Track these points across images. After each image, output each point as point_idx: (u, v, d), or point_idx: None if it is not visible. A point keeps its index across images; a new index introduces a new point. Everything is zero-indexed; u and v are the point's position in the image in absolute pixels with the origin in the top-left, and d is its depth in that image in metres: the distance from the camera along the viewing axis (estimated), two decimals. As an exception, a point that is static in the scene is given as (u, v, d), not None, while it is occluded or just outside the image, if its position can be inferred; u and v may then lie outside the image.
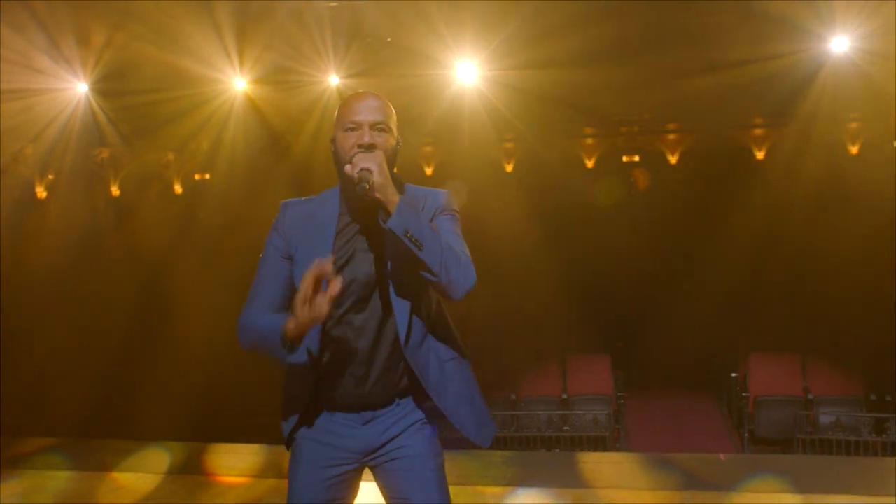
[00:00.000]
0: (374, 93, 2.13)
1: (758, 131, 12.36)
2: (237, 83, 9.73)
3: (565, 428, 7.45)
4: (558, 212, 11.14)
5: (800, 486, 3.97)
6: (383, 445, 2.15)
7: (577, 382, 8.08)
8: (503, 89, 9.81)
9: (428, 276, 1.97)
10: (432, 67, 9.89)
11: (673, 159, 13.36)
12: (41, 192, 12.94)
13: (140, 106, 10.05)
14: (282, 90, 10.34)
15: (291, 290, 2.07)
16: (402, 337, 2.06)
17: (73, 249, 10.96)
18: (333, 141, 2.13)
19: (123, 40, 9.03)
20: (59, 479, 4.72)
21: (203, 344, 9.07)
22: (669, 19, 8.40)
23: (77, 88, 9.85)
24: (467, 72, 9.60)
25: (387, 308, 2.07)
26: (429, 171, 13.81)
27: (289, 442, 2.23)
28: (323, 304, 1.85)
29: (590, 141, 13.59)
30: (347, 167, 1.99)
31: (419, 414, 2.18)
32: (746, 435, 7.57)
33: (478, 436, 2.21)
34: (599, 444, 7.37)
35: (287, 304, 2.06)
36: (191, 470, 4.75)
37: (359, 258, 2.08)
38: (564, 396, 7.90)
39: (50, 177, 12.66)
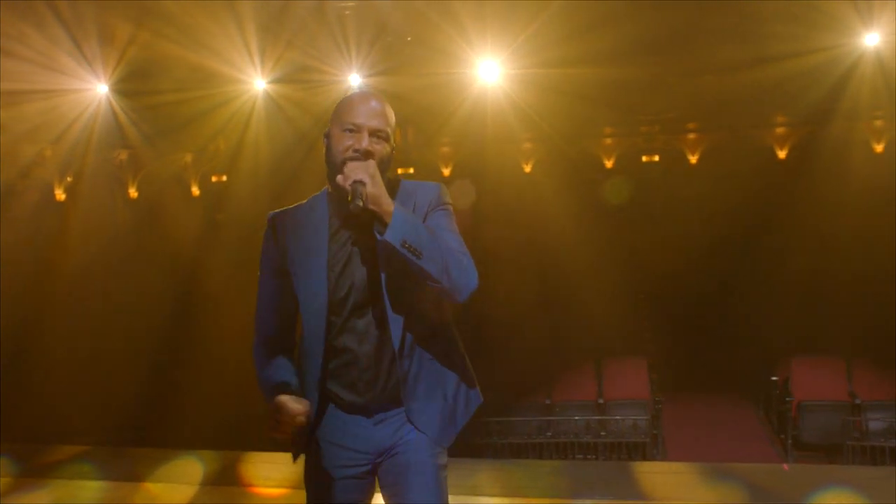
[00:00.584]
0: (378, 95, 2.08)
1: (780, 130, 12.20)
2: (258, 83, 9.63)
3: (603, 433, 7.23)
4: (590, 212, 10.94)
5: (870, 496, 3.74)
6: (394, 445, 2.14)
7: (613, 386, 7.85)
8: (525, 87, 9.66)
9: (429, 282, 1.95)
10: (455, 66, 9.75)
11: (693, 159, 13.20)
12: (60, 195, 12.88)
13: (160, 106, 9.99)
14: (303, 90, 10.23)
15: (293, 305, 2.14)
16: (397, 342, 2.04)
17: (94, 253, 10.88)
18: (328, 136, 2.08)
19: (145, 40, 8.94)
20: (90, 489, 4.57)
21: (234, 347, 8.93)
22: (693, 18, 8.27)
23: (97, 89, 9.77)
24: (490, 70, 9.46)
25: (384, 313, 2.04)
26: (446, 171, 13.69)
27: (299, 447, 2.22)
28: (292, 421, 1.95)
29: (609, 141, 13.44)
30: (339, 178, 1.95)
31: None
32: (790, 441, 7.31)
33: (440, 438, 2.17)
34: (637, 451, 7.15)
35: (290, 323, 2.20)
36: (226, 481, 4.58)
37: (355, 262, 2.05)
38: (601, 401, 7.68)
39: (69, 179, 12.60)
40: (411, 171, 14.32)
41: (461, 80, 9.94)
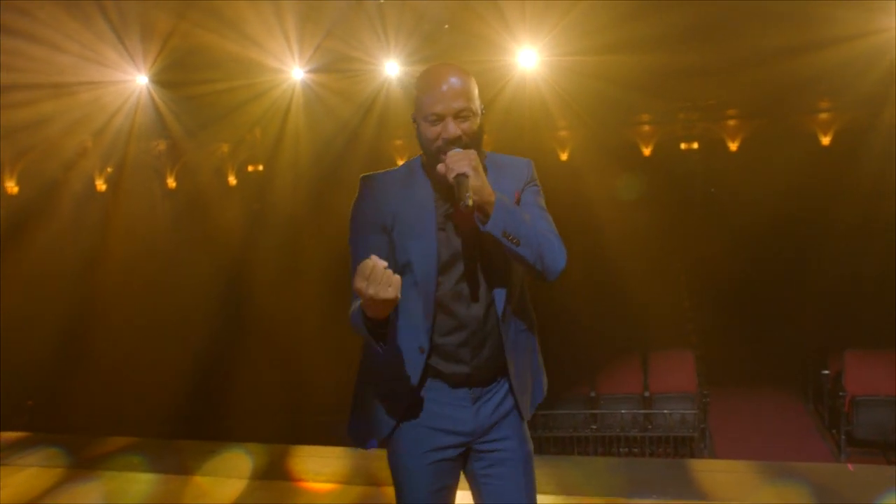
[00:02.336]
0: (454, 70, 2.00)
1: (823, 116, 11.93)
2: (296, 73, 9.63)
3: (650, 427, 7.12)
4: (631, 201, 10.80)
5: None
6: (489, 429, 2.12)
7: (659, 379, 7.72)
8: (563, 75, 9.54)
9: (523, 266, 1.98)
10: (493, 54, 9.64)
11: (733, 146, 12.95)
12: (101, 185, 13.03)
13: (199, 97, 10.05)
14: (342, 79, 10.20)
15: (393, 266, 1.96)
16: (500, 307, 2.05)
17: (135, 243, 10.99)
18: (416, 123, 2.04)
19: (185, 30, 8.97)
20: (141, 481, 4.55)
21: (278, 337, 9.00)
22: (734, 3, 8.07)
23: (137, 80, 9.84)
24: (528, 58, 9.34)
25: (488, 277, 2.05)
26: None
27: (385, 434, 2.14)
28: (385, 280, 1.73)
29: (647, 128, 13.25)
30: (440, 167, 1.94)
31: (513, 396, 2.16)
32: (843, 437, 7.13)
33: (529, 411, 2.19)
34: (685, 445, 7.04)
35: None
36: (276, 475, 4.53)
37: (460, 228, 2.04)
38: (646, 394, 7.55)
39: (109, 170, 12.73)
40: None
41: (500, 68, 9.84)
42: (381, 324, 1.85)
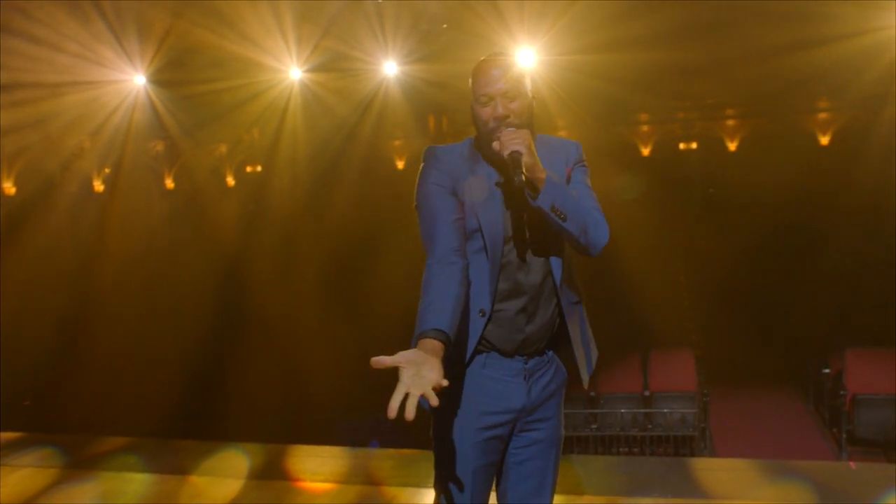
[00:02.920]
0: (503, 56, 2.15)
1: (822, 115, 11.91)
2: (294, 72, 9.60)
3: (650, 427, 7.08)
4: (630, 200, 10.78)
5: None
6: (536, 408, 2.17)
7: (659, 378, 7.68)
8: (561, 74, 9.52)
9: (569, 240, 2.11)
10: (491, 53, 9.63)
11: (732, 146, 12.94)
12: (98, 186, 13.01)
13: (196, 96, 10.00)
14: (340, 78, 10.18)
15: (464, 226, 2.12)
16: (558, 276, 2.14)
17: (132, 243, 10.96)
18: (472, 109, 2.17)
19: (182, 30, 8.95)
20: (137, 481, 4.52)
21: (277, 337, 8.97)
22: (731, 4, 8.04)
23: (135, 80, 9.80)
24: (526, 57, 9.31)
25: (547, 248, 2.15)
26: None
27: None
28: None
29: (645, 128, 13.24)
30: (495, 144, 2.05)
31: (562, 375, 2.24)
32: (844, 435, 7.09)
33: (588, 373, 2.24)
34: (685, 445, 7.00)
35: (464, 242, 2.11)
36: (273, 475, 4.50)
37: (521, 202, 2.09)
38: (646, 393, 7.51)
39: (107, 170, 12.71)
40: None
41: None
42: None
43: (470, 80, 2.16)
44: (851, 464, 4.13)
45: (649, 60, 8.99)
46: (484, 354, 2.13)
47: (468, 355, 2.10)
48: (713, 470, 4.20)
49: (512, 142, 2.00)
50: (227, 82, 9.67)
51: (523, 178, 1.95)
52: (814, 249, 10.20)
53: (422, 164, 2.22)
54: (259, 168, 13.36)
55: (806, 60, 8.39)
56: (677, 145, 13.36)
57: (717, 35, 8.71)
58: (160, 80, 9.92)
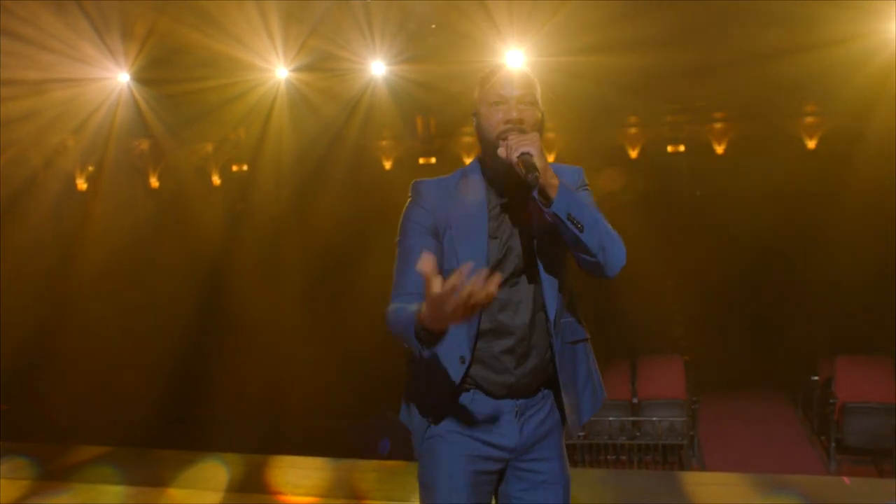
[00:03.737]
0: (519, 67, 2.17)
1: (809, 120, 11.91)
2: (281, 71, 9.52)
3: (638, 435, 7.00)
4: (618, 204, 10.72)
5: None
6: (532, 447, 2.05)
7: (648, 385, 7.61)
8: (550, 76, 9.45)
9: (585, 256, 1.92)
10: (479, 54, 9.55)
11: (720, 149, 12.92)
12: (82, 184, 12.83)
13: (182, 95, 9.90)
14: (327, 78, 10.08)
15: (441, 270, 1.92)
16: (552, 314, 2.00)
17: (116, 244, 10.82)
18: (477, 115, 2.08)
19: (166, 27, 8.82)
20: (112, 493, 4.41)
21: (259, 340, 8.85)
22: (721, 5, 8.01)
23: (119, 78, 9.68)
24: (515, 58, 9.25)
25: (538, 284, 2.01)
26: (468, 161, 13.46)
27: (421, 437, 2.07)
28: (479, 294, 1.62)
29: (633, 130, 13.19)
30: (501, 150, 1.92)
31: (557, 413, 2.11)
32: (833, 444, 7.04)
33: (574, 425, 2.13)
34: (673, 453, 6.93)
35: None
36: (253, 487, 4.39)
37: (513, 232, 2.02)
38: (635, 401, 7.44)
39: (90, 168, 12.55)
40: (433, 160, 14.16)
41: (486, 68, 9.75)
42: (436, 333, 1.77)
43: (477, 87, 2.09)
44: (846, 479, 4.04)
45: (638, 63, 8.94)
46: (471, 391, 2.03)
47: (454, 396, 2.01)
48: (704, 485, 4.12)
49: (521, 144, 1.88)
50: (213, 81, 9.57)
51: (538, 176, 1.81)
52: (803, 254, 10.18)
53: (409, 199, 2.12)
54: (245, 167, 13.24)
55: (794, 65, 8.36)
56: (665, 148, 13.35)
57: (706, 39, 8.68)
58: (144, 78, 9.80)
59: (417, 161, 13.84)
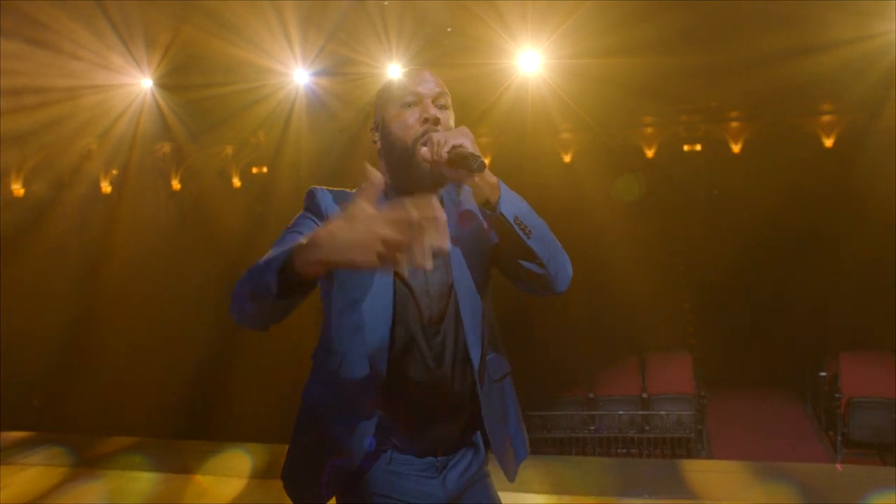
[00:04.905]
0: (427, 68, 1.80)
1: (826, 118, 11.94)
2: (299, 76, 9.72)
3: (647, 428, 7.17)
4: (632, 202, 10.85)
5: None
6: (460, 496, 1.83)
7: (657, 381, 7.76)
8: (565, 77, 9.59)
9: (533, 268, 1.66)
10: (495, 56, 9.70)
11: (736, 148, 12.97)
12: (106, 188, 13.13)
13: (203, 100, 10.13)
14: (344, 82, 10.29)
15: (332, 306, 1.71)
16: (476, 354, 1.73)
17: (140, 244, 11.09)
18: (379, 127, 1.77)
19: (188, 35, 9.07)
20: (143, 480, 4.64)
21: (283, 338, 9.04)
22: (736, 6, 8.10)
23: (142, 84, 9.94)
24: (530, 60, 9.41)
25: (458, 321, 1.72)
26: (486, 161, 13.60)
27: (332, 488, 1.76)
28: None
29: (649, 130, 13.27)
30: (424, 150, 1.64)
31: (482, 455, 1.88)
32: (839, 438, 7.16)
33: (514, 474, 1.88)
34: (682, 446, 7.09)
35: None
36: (275, 474, 4.59)
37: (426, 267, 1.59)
38: (644, 395, 7.60)
39: (114, 172, 12.84)
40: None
41: (501, 70, 9.90)
42: (307, 284, 1.43)
43: (384, 93, 1.80)
44: (838, 466, 4.21)
45: (654, 64, 9.04)
46: (389, 451, 1.76)
47: (365, 458, 1.72)
48: (704, 472, 4.30)
49: (451, 137, 1.60)
50: (234, 86, 9.79)
51: (483, 163, 1.55)
52: (816, 251, 10.24)
53: (302, 206, 1.81)
54: (265, 169, 13.47)
55: (809, 64, 8.44)
56: (681, 147, 13.41)
57: (720, 38, 8.76)
58: (167, 83, 10.06)
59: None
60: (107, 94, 9.98)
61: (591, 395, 7.60)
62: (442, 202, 1.75)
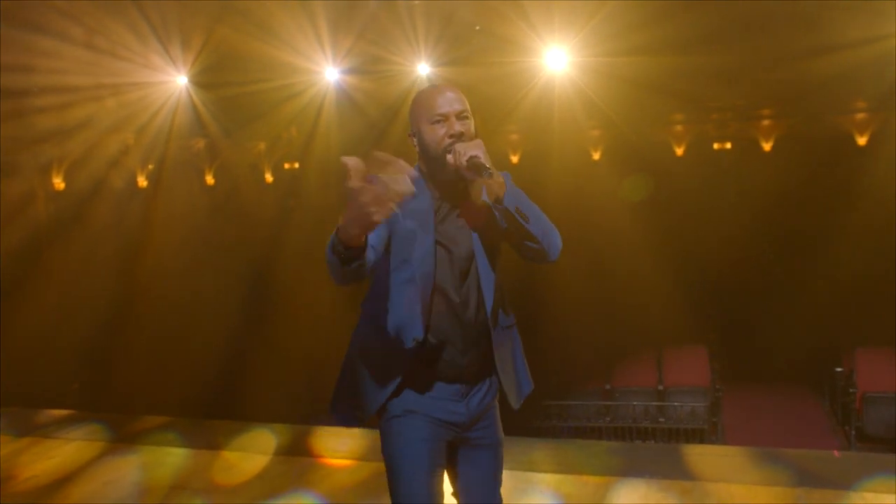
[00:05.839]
0: (450, 84, 2.31)
1: (859, 116, 11.86)
2: (329, 74, 9.93)
3: (661, 419, 7.33)
4: (656, 201, 10.93)
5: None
6: (475, 422, 2.34)
7: (673, 373, 7.93)
8: (593, 76, 9.70)
9: (530, 244, 2.16)
10: (522, 55, 9.85)
11: (767, 146, 12.94)
12: (142, 182, 13.53)
13: (237, 97, 10.40)
14: (373, 80, 10.50)
15: (381, 257, 2.15)
16: (489, 307, 2.26)
17: (176, 237, 11.42)
18: (416, 135, 2.27)
19: (222, 33, 9.35)
20: (175, 455, 4.92)
21: (306, 330, 9.35)
22: (765, 5, 8.13)
23: (177, 81, 10.25)
24: (557, 59, 9.53)
25: (478, 280, 2.26)
26: (515, 158, 13.75)
27: (379, 415, 2.29)
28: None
29: (679, 128, 13.28)
30: (449, 157, 2.13)
31: (496, 387, 2.38)
32: (853, 432, 7.26)
33: (514, 400, 2.40)
34: (696, 437, 7.23)
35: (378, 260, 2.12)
36: (297, 452, 4.87)
37: (456, 236, 2.24)
38: (660, 387, 7.76)
39: (150, 167, 13.23)
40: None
41: (529, 68, 10.06)
42: (355, 251, 1.90)
43: (414, 108, 2.27)
44: (836, 452, 4.36)
45: (681, 62, 9.10)
46: (424, 376, 2.27)
47: (407, 378, 2.24)
48: (705, 455, 4.47)
49: (468, 149, 2.09)
50: (266, 83, 10.05)
51: (491, 172, 2.02)
52: (843, 247, 10.16)
53: None
54: (296, 165, 13.75)
55: (840, 60, 8.45)
56: (711, 145, 13.42)
57: (750, 36, 8.78)
58: (202, 81, 10.36)
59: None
60: (145, 91, 10.31)
61: (608, 387, 7.77)
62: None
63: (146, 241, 11.31)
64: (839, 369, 7.97)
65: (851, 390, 7.32)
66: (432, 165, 2.23)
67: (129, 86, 10.04)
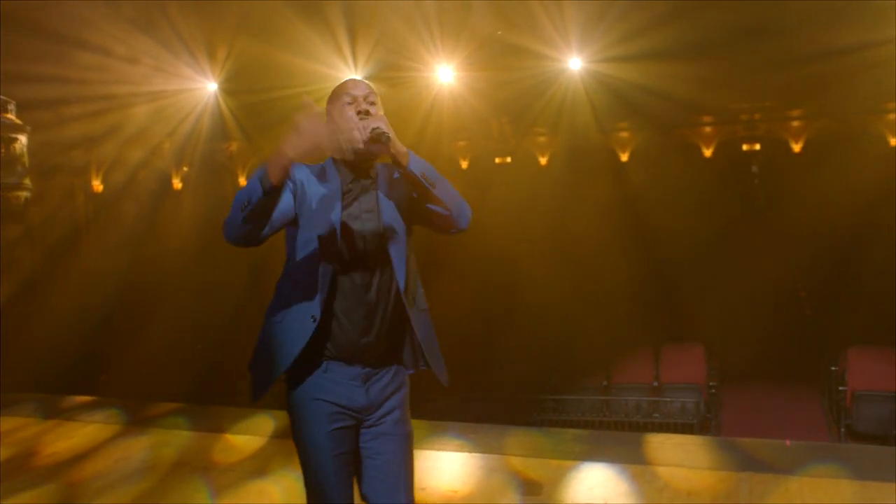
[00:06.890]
0: (358, 78, 2.51)
1: (892, 116, 11.79)
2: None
3: (654, 415, 7.58)
4: (663, 202, 11.08)
5: (860, 474, 4.04)
6: (378, 407, 2.39)
7: (669, 371, 8.16)
8: (615, 80, 9.90)
9: (440, 209, 2.27)
10: (547, 59, 10.09)
11: (797, 147, 12.94)
12: (177, 183, 14.13)
13: (262, 102, 10.84)
14: (393, 85, 10.87)
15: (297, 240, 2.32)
16: (402, 283, 2.33)
17: (203, 235, 11.89)
18: (328, 115, 2.39)
19: (247, 41, 9.82)
20: (181, 436, 5.37)
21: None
22: (795, 5, 8.21)
23: (207, 87, 10.76)
24: (574, 63, 9.79)
25: (387, 257, 2.33)
26: (543, 160, 13.97)
27: (261, 388, 2.37)
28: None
29: (708, 129, 13.34)
30: (356, 132, 2.20)
31: (401, 376, 2.46)
32: (843, 429, 7.43)
33: (444, 378, 2.48)
34: (686, 432, 7.44)
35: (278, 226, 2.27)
36: (290, 435, 5.27)
37: (364, 217, 2.33)
38: (656, 384, 8.01)
39: (185, 168, 13.80)
40: (508, 160, 14.66)
41: (550, 71, 10.30)
42: (274, 191, 2.10)
43: (331, 95, 2.43)
44: (787, 441, 4.63)
45: (712, 62, 9.20)
46: (325, 361, 2.34)
47: (295, 357, 2.28)
48: (663, 444, 4.76)
49: (372, 121, 2.20)
50: (290, 90, 10.44)
51: (389, 137, 2.13)
52: (869, 248, 10.09)
53: None
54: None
55: (872, 60, 8.50)
56: (740, 146, 13.44)
57: (780, 37, 8.84)
58: (230, 88, 10.85)
59: (493, 161, 14.43)
60: (176, 98, 10.84)
61: (605, 383, 8.04)
62: (378, 174, 2.41)
63: (173, 238, 11.80)
64: (834, 368, 8.11)
65: (842, 388, 7.48)
66: (340, 142, 2.25)
67: (163, 93, 10.58)
